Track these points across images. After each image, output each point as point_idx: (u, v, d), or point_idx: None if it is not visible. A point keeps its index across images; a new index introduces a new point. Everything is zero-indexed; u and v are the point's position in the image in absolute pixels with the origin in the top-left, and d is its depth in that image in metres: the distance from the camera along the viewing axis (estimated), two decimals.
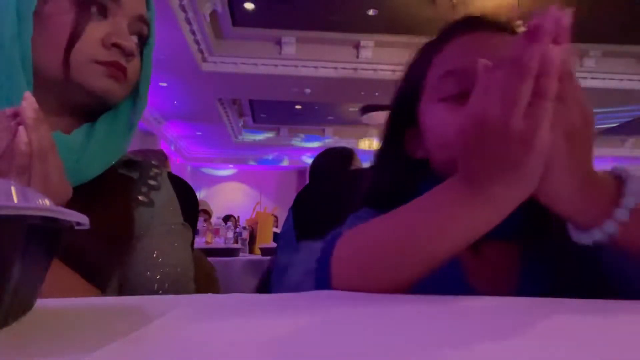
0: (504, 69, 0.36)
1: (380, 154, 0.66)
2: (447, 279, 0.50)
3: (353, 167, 1.99)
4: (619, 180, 0.41)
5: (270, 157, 10.48)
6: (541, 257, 0.53)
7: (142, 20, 0.65)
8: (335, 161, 2.05)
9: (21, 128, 0.46)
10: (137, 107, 0.68)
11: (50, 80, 0.59)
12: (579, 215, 0.41)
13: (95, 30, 0.60)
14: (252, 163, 11.00)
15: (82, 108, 0.63)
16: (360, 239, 0.46)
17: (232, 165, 11.48)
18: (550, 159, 0.38)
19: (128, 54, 0.62)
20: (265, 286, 2.14)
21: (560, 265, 0.51)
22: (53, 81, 0.59)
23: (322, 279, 0.45)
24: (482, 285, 0.52)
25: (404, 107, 0.62)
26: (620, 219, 0.39)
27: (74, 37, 0.58)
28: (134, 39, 0.64)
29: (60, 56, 0.58)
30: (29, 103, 0.47)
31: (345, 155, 2.08)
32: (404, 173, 0.61)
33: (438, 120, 0.56)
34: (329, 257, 0.45)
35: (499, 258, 0.54)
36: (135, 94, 0.68)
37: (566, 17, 0.35)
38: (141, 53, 0.67)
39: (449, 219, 0.41)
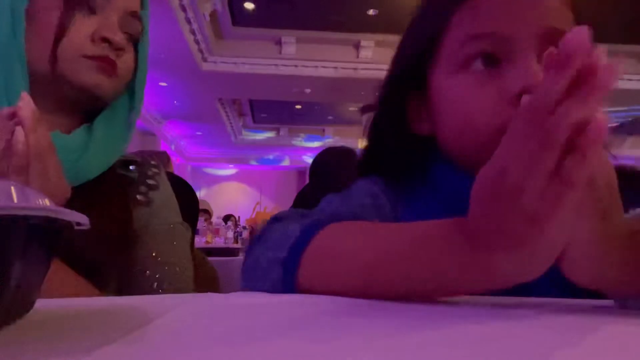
0: (527, 116, 0.27)
1: (378, 125, 0.58)
2: None
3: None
4: None
5: (271, 156, 10.48)
6: None
7: (135, 16, 0.65)
8: (338, 159, 2.05)
9: (18, 128, 0.46)
10: (134, 106, 0.68)
11: (41, 77, 0.59)
12: (626, 291, 0.34)
13: (84, 26, 0.59)
14: (253, 163, 11.01)
15: (79, 106, 0.63)
16: (338, 245, 0.40)
17: (232, 165, 11.48)
18: (583, 245, 0.31)
19: (117, 48, 0.61)
20: None
21: None
22: (43, 78, 0.59)
23: (288, 273, 0.40)
24: None
25: (408, 70, 0.53)
26: None
27: (61, 33, 0.58)
28: (125, 34, 0.64)
29: (48, 52, 0.58)
30: (25, 103, 0.47)
31: (347, 153, 2.08)
32: (406, 151, 0.54)
33: (461, 94, 0.47)
34: (301, 253, 0.40)
35: None
36: (131, 92, 0.68)
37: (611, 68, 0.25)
38: (136, 51, 0.67)
39: (440, 272, 0.34)
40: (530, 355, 0.22)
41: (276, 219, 0.47)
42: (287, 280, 0.40)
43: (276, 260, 0.41)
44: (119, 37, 0.61)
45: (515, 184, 0.28)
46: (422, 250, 0.35)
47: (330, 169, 1.99)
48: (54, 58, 0.58)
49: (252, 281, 0.45)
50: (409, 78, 0.53)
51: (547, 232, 0.29)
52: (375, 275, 0.37)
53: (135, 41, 0.66)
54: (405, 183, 0.55)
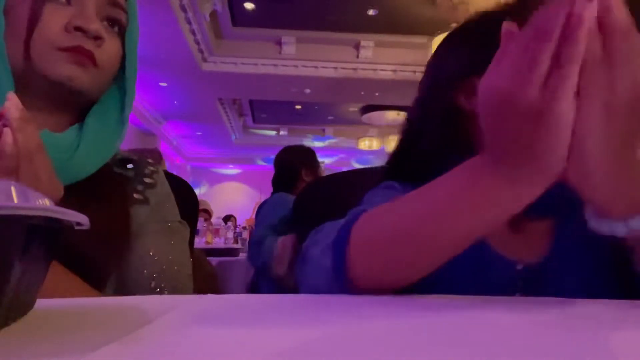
0: (525, 34, 0.31)
1: (424, 103, 0.60)
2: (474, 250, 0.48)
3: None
4: None
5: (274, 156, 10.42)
6: (575, 229, 0.50)
7: (115, 4, 0.63)
8: (300, 158, 2.17)
9: (6, 129, 0.45)
10: (126, 100, 0.66)
11: (21, 74, 0.57)
12: (607, 204, 0.36)
13: (57, 16, 0.58)
14: (260, 162, 10.96)
15: (65, 103, 0.62)
16: (379, 219, 0.43)
17: (232, 165, 11.47)
18: (584, 132, 0.32)
19: (94, 37, 0.59)
20: (255, 285, 2.19)
21: (594, 239, 0.47)
22: (22, 74, 0.57)
23: (338, 256, 0.42)
24: (513, 253, 0.52)
25: (472, 54, 0.55)
26: None
27: (33, 25, 0.56)
28: (105, 24, 0.62)
29: (21, 46, 0.56)
30: (12, 103, 0.46)
31: (307, 151, 2.22)
32: (452, 123, 0.55)
33: None
34: (348, 234, 0.43)
35: (532, 229, 0.53)
36: (122, 86, 0.66)
37: None
38: (124, 43, 0.65)
39: (475, 203, 0.37)
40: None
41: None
42: (339, 248, 0.42)
43: (325, 248, 0.44)
44: (94, 26, 0.58)
45: (512, 87, 0.31)
46: (457, 192, 0.39)
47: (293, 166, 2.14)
48: (27, 52, 0.56)
49: (306, 272, 0.47)
50: (470, 62, 0.55)
51: (550, 120, 0.31)
52: (423, 220, 0.40)
53: (121, 32, 0.64)
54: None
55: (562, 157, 0.33)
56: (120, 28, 0.64)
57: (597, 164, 0.33)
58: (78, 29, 0.58)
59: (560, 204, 0.52)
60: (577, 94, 0.31)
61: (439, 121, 0.57)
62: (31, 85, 0.58)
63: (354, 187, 0.63)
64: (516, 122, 0.32)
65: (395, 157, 0.62)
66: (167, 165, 3.22)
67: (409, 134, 0.62)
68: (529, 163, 0.34)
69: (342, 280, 0.42)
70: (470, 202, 0.38)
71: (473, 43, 0.57)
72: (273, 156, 2.32)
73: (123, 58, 0.66)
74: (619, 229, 0.35)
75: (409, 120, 0.63)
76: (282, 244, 1.81)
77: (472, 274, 0.51)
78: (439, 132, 0.57)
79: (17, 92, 0.48)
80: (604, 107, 0.31)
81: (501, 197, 0.36)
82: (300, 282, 0.48)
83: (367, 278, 0.41)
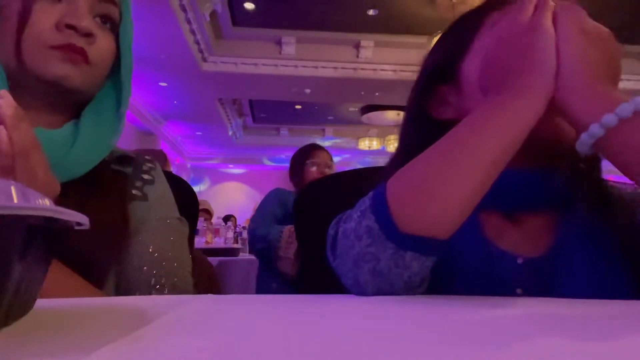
0: None
1: (406, 115, 0.64)
2: (471, 241, 0.52)
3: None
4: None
5: (283, 156, 10.43)
6: (578, 223, 0.53)
7: (107, 0, 0.62)
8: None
9: (1, 128, 0.45)
10: (122, 97, 0.66)
11: (14, 73, 0.57)
12: (579, 112, 0.42)
13: (48, 14, 0.57)
14: (267, 162, 10.97)
15: (61, 101, 0.61)
16: (409, 168, 0.46)
17: (232, 165, 11.48)
18: (569, 51, 0.44)
19: (85, 35, 0.59)
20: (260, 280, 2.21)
21: (599, 235, 0.52)
22: (15, 73, 0.57)
23: (381, 208, 0.43)
24: (514, 248, 0.53)
25: (441, 63, 0.61)
26: (607, 123, 0.39)
27: (23, 24, 0.56)
28: (98, 20, 0.62)
29: (12, 45, 0.56)
30: (6, 101, 0.46)
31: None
32: (426, 134, 0.57)
33: None
34: (384, 189, 0.44)
35: (533, 224, 0.54)
36: (117, 83, 0.66)
37: None
38: (118, 40, 0.65)
39: (490, 125, 0.43)
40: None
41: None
42: (378, 204, 0.44)
43: (362, 211, 0.45)
44: (85, 23, 0.58)
45: (515, 20, 0.47)
46: (474, 125, 0.45)
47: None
48: (18, 51, 0.56)
49: (346, 239, 0.47)
50: (440, 71, 0.60)
51: (541, 30, 0.45)
52: (449, 153, 0.44)
53: (114, 28, 0.64)
54: None
55: (551, 71, 0.43)
56: (113, 24, 0.64)
57: (580, 75, 0.43)
58: (69, 26, 0.57)
59: (562, 199, 0.53)
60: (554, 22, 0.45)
61: (414, 128, 0.61)
62: (24, 83, 0.58)
63: (354, 186, 0.63)
64: (518, 40, 0.46)
65: (395, 159, 0.63)
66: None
67: (404, 137, 0.64)
68: (531, 69, 0.44)
69: (389, 230, 0.42)
70: (485, 126, 0.44)
71: (438, 50, 0.64)
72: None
73: (118, 54, 0.65)
74: (597, 130, 0.40)
75: (403, 123, 0.65)
76: (290, 231, 1.91)
77: (474, 268, 0.51)
78: (420, 138, 0.58)
79: (10, 90, 0.48)
80: (578, 29, 0.44)
81: (508, 112, 0.43)
82: (338, 265, 0.48)
83: (412, 219, 0.42)
